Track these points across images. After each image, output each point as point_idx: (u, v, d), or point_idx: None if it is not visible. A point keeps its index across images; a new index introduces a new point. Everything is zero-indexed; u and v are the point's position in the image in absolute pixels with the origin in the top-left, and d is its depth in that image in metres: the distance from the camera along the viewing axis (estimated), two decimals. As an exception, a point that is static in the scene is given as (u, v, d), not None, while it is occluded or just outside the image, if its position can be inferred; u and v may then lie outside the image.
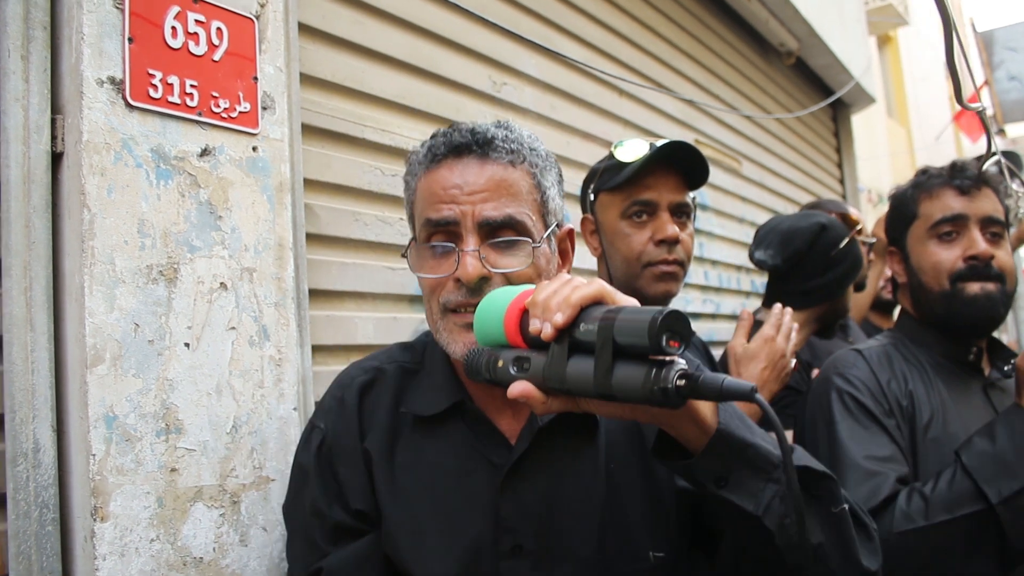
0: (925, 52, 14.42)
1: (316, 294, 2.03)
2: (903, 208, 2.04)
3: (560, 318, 1.03)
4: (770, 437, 1.23)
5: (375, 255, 2.27)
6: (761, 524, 1.16)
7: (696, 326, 3.04)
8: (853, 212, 2.75)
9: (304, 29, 2.07)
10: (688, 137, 4.23)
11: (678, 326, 0.97)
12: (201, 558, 1.62)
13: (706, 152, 4.35)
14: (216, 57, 1.74)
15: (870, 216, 8.00)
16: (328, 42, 2.19)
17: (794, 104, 5.87)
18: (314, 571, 1.41)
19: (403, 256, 1.41)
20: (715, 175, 4.47)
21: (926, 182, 2.00)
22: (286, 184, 1.86)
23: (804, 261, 2.52)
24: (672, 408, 0.98)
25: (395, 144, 2.36)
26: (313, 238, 2.05)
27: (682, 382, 0.96)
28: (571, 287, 1.07)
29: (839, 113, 7.11)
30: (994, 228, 1.92)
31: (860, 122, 7.85)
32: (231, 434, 1.69)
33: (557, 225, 1.44)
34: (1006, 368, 1.96)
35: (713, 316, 4.37)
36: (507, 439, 1.41)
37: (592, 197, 2.15)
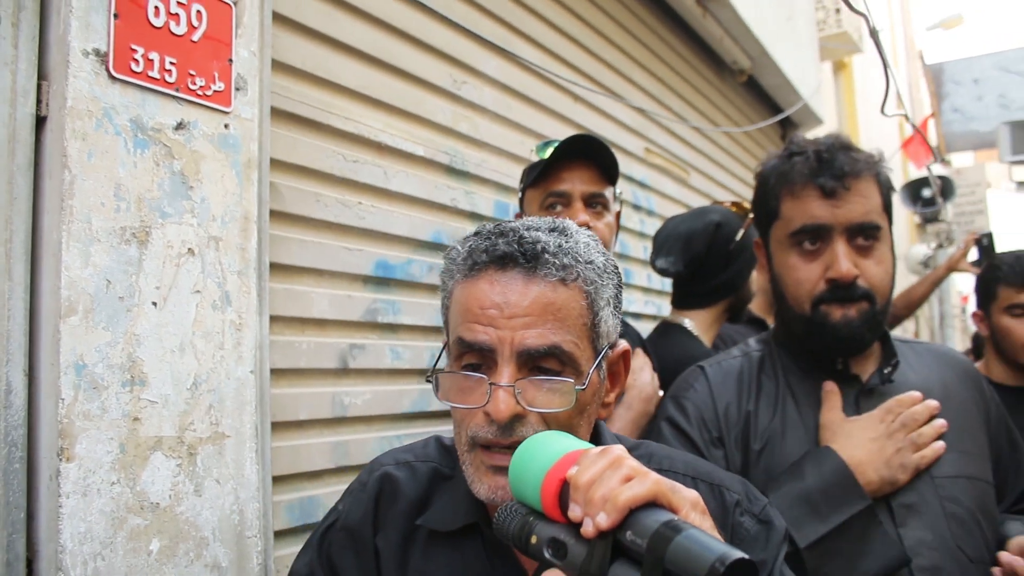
0: (877, 80, 14.88)
1: (276, 268, 2.15)
2: (765, 201, 1.80)
3: (604, 520, 0.91)
4: None
5: (333, 235, 2.40)
6: None
7: (638, 326, 3.20)
8: (743, 203, 2.85)
9: (278, 18, 2.19)
10: (638, 145, 4.41)
11: (743, 573, 0.84)
12: (157, 503, 1.73)
13: (655, 161, 4.56)
14: (195, 38, 1.86)
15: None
16: (299, 31, 2.31)
17: (744, 120, 6.08)
18: None
19: (428, 380, 1.25)
20: (663, 183, 4.66)
21: (789, 173, 1.72)
22: (254, 161, 1.98)
23: (705, 262, 2.61)
24: None
25: (358, 132, 2.49)
26: (276, 215, 2.17)
27: None
28: (620, 477, 0.94)
29: (787, 132, 7.35)
30: (865, 233, 1.68)
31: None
32: (191, 390, 1.81)
33: (610, 346, 1.27)
34: (885, 371, 1.75)
35: (654, 317, 4.54)
36: (525, 569, 1.26)
37: (521, 195, 2.37)
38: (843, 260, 1.64)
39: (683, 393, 1.82)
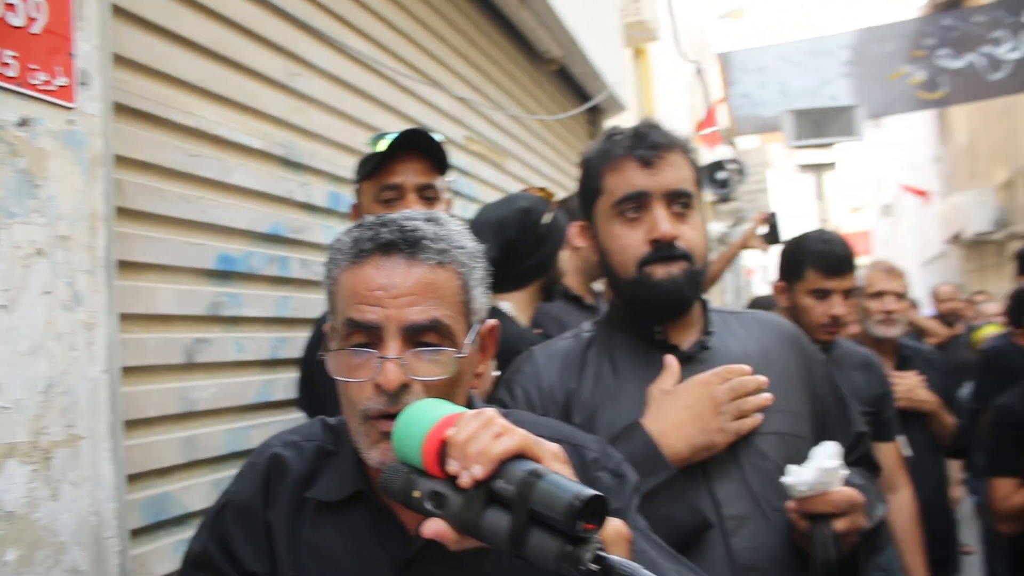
0: (672, 67, 15.70)
1: (122, 265, 2.11)
2: (588, 180, 1.91)
3: (478, 471, 1.04)
4: None
5: (177, 230, 2.38)
6: None
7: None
8: (548, 189, 3.07)
9: (118, 11, 2.14)
10: (459, 134, 4.54)
11: (596, 508, 1.00)
12: (13, 512, 1.69)
13: (474, 148, 4.70)
14: (34, 30, 1.80)
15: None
16: (140, 25, 2.27)
17: (556, 107, 6.34)
18: None
19: (319, 356, 1.35)
20: (481, 170, 4.82)
21: (610, 150, 1.85)
22: (99, 158, 1.95)
23: (517, 246, 2.73)
24: None
25: (198, 126, 2.47)
26: (121, 211, 2.13)
27: (596, 566, 0.99)
28: (491, 434, 1.07)
29: (595, 118, 7.71)
30: (681, 200, 1.80)
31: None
32: (44, 393, 1.77)
33: (480, 321, 1.39)
34: (701, 338, 1.87)
35: (480, 300, 4.71)
36: (407, 529, 1.35)
37: (356, 187, 2.47)
38: (663, 221, 1.77)
39: (512, 377, 1.91)
